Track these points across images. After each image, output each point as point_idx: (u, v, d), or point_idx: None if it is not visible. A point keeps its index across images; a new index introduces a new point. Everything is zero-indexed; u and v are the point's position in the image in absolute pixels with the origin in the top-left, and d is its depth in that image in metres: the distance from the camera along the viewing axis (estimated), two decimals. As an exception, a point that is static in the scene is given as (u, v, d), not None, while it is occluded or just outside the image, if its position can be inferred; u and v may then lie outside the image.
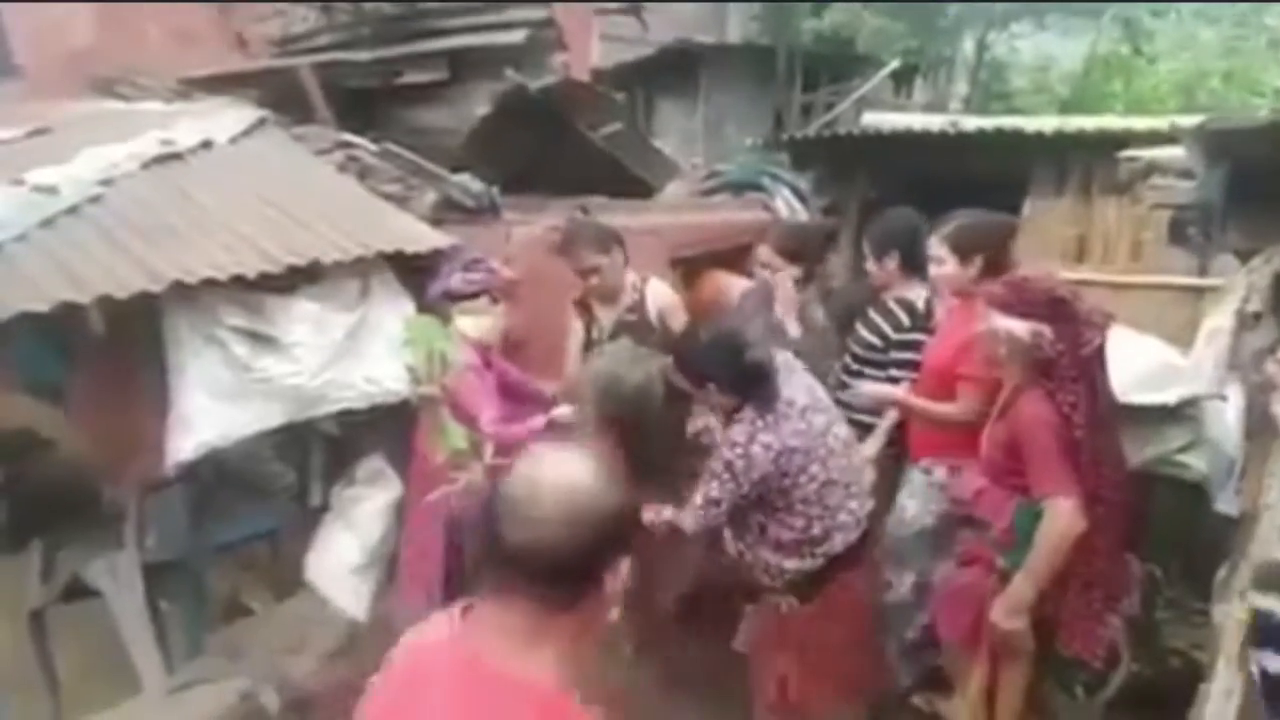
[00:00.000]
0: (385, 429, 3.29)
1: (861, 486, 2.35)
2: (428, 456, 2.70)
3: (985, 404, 2.55)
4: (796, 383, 2.32)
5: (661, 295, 3.06)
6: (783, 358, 2.32)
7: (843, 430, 2.34)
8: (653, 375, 2.49)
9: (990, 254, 2.59)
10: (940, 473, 2.64)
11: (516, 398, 2.91)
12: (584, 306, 3.11)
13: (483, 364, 2.79)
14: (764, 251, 2.98)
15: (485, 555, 1.05)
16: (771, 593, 2.28)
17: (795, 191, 4.81)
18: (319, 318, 2.91)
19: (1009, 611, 2.21)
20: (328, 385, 2.93)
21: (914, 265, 2.75)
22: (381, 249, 3.04)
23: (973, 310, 2.59)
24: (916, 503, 2.65)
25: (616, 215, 3.94)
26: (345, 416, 3.08)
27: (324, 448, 3.42)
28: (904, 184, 4.01)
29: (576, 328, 3.11)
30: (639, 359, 2.58)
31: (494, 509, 1.05)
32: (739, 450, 2.19)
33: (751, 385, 2.25)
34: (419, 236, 3.17)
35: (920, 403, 2.63)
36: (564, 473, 1.05)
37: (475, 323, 2.77)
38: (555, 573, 1.03)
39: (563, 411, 2.76)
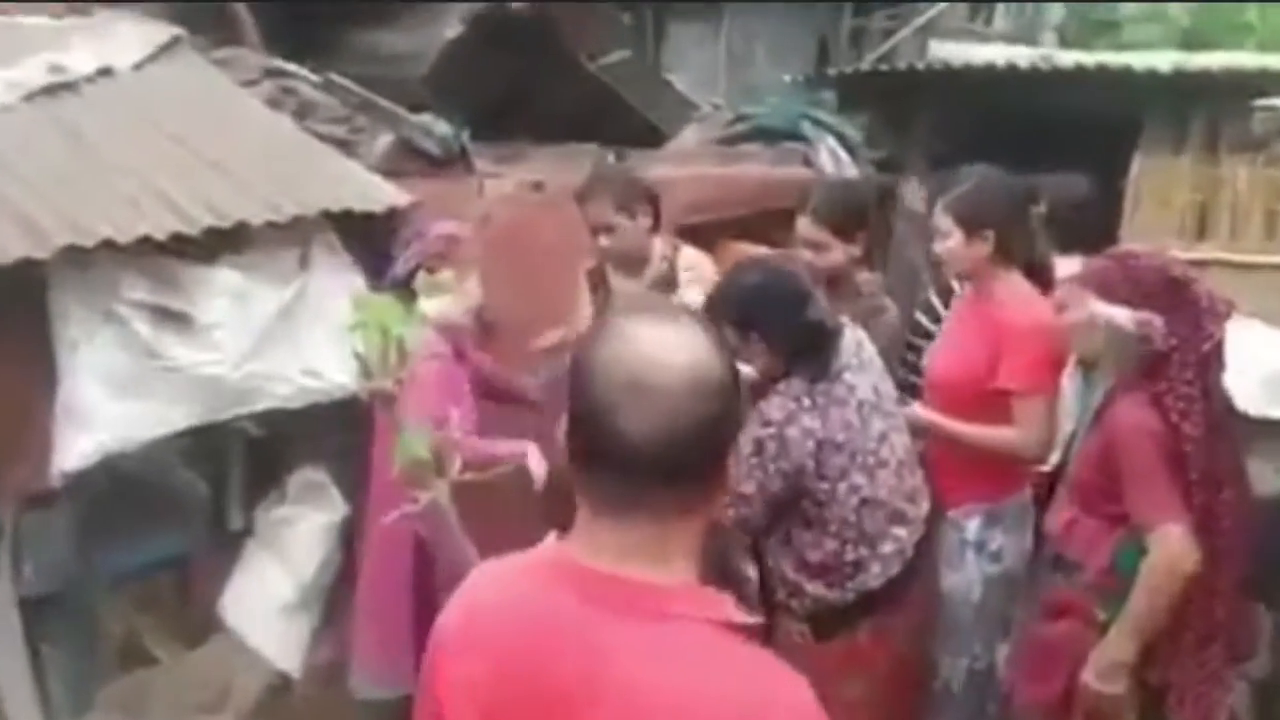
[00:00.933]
0: (326, 433, 3.36)
1: (913, 515, 2.37)
2: (387, 470, 2.75)
3: (1052, 423, 2.59)
4: (865, 378, 2.32)
5: (697, 268, 3.11)
6: (855, 337, 2.32)
7: (902, 445, 2.34)
8: None
9: (1004, 227, 2.60)
10: (974, 526, 2.66)
11: (495, 397, 2.95)
12: (595, 277, 3.17)
13: (454, 353, 2.84)
14: (805, 224, 2.91)
15: (580, 466, 1.03)
16: (787, 614, 2.29)
17: (843, 141, 4.86)
18: (245, 292, 2.95)
19: (1106, 671, 2.19)
20: (254, 377, 2.98)
21: (1013, 251, 2.67)
22: (325, 208, 3.08)
23: (990, 300, 2.62)
24: (956, 572, 2.66)
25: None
26: (275, 417, 3.14)
27: (247, 456, 3.49)
28: (979, 135, 4.06)
29: (583, 306, 3.17)
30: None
31: (592, 403, 1.00)
32: (771, 430, 2.15)
33: (805, 346, 2.22)
34: (371, 193, 3.22)
35: (972, 430, 2.57)
36: (674, 339, 1.02)
37: (439, 303, 2.82)
38: (688, 465, 1.01)
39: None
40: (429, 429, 2.42)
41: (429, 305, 2.77)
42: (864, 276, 2.95)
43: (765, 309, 2.23)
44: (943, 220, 2.63)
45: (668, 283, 3.10)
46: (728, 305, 2.25)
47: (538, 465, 2.59)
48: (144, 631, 3.32)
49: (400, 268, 2.88)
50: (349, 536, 3.44)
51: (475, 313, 2.92)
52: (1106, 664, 2.21)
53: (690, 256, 3.14)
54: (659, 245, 3.11)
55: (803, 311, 2.24)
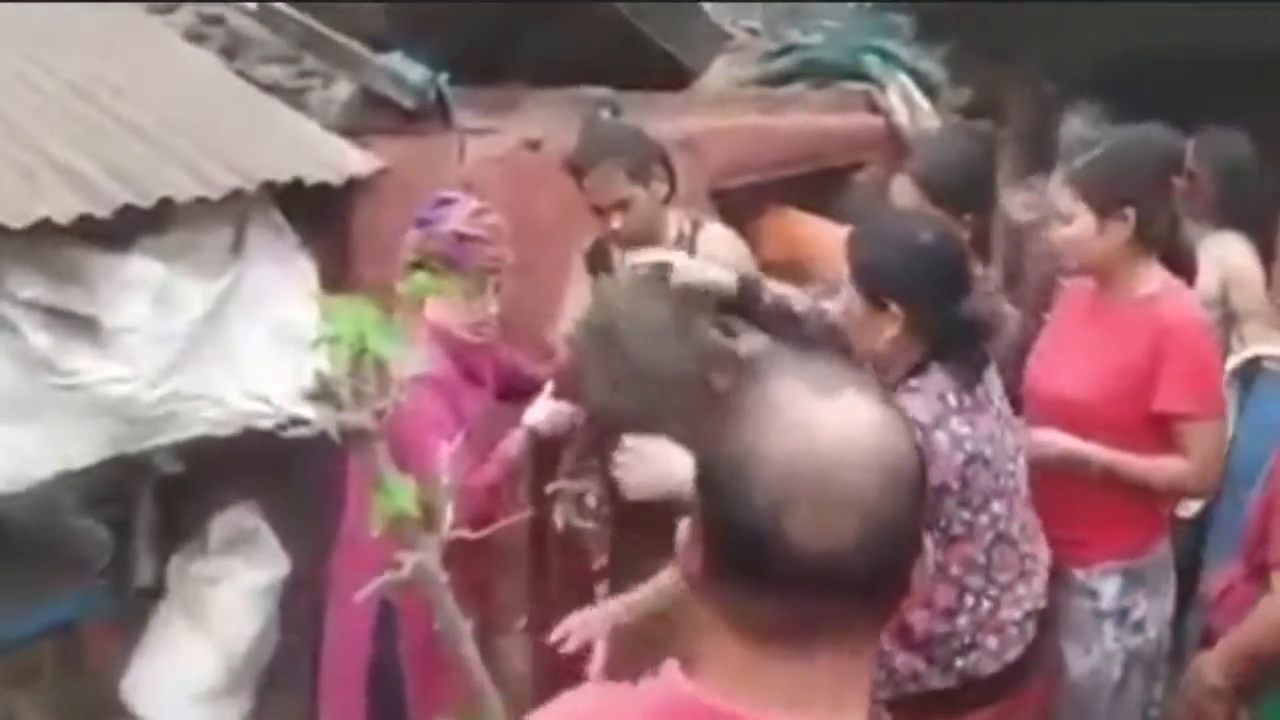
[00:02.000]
0: (262, 468, 3.45)
1: (1038, 565, 2.47)
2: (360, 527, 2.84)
3: (1222, 452, 2.67)
4: (996, 382, 2.43)
5: (722, 248, 3.19)
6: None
7: (1021, 472, 2.45)
8: (682, 316, 2.62)
9: (1147, 204, 2.65)
10: (1111, 590, 2.71)
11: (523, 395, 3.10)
12: (597, 260, 3.26)
13: (458, 369, 2.93)
14: (905, 187, 2.97)
15: (732, 585, 1.02)
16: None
17: (920, 81, 4.92)
18: (166, 288, 3.04)
19: (1199, 694, 2.46)
20: (176, 398, 3.07)
21: (1155, 234, 2.69)
22: (268, 179, 3.17)
23: (1130, 298, 2.68)
24: (1089, 651, 2.72)
25: (626, 117, 4.05)
26: (198, 447, 3.24)
27: (162, 495, 3.60)
28: (1106, 72, 4.12)
29: (577, 290, 3.27)
30: (652, 293, 2.71)
31: (754, 506, 1.00)
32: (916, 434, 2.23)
33: (960, 336, 2.29)
34: (326, 158, 3.30)
35: (1139, 463, 2.62)
36: (854, 413, 1.03)
37: (442, 309, 2.90)
38: (886, 577, 1.02)
39: (546, 412, 2.91)
40: (411, 479, 2.49)
41: (429, 310, 2.86)
42: (976, 272, 3.02)
43: (925, 280, 2.27)
44: (1063, 198, 2.68)
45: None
46: (871, 266, 2.30)
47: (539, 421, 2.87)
48: (20, 714, 3.39)
49: (404, 254, 2.95)
50: (290, 601, 3.54)
51: (485, 325, 3.01)
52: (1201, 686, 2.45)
53: (715, 236, 3.22)
54: (674, 220, 3.21)
55: (968, 293, 2.29)
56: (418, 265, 2.89)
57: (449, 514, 2.50)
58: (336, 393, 2.49)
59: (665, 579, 2.52)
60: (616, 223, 3.09)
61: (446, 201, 2.97)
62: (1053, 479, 2.62)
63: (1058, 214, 2.72)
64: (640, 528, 2.80)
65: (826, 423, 1.02)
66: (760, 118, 4.53)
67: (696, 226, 3.22)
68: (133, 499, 3.54)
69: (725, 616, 1.04)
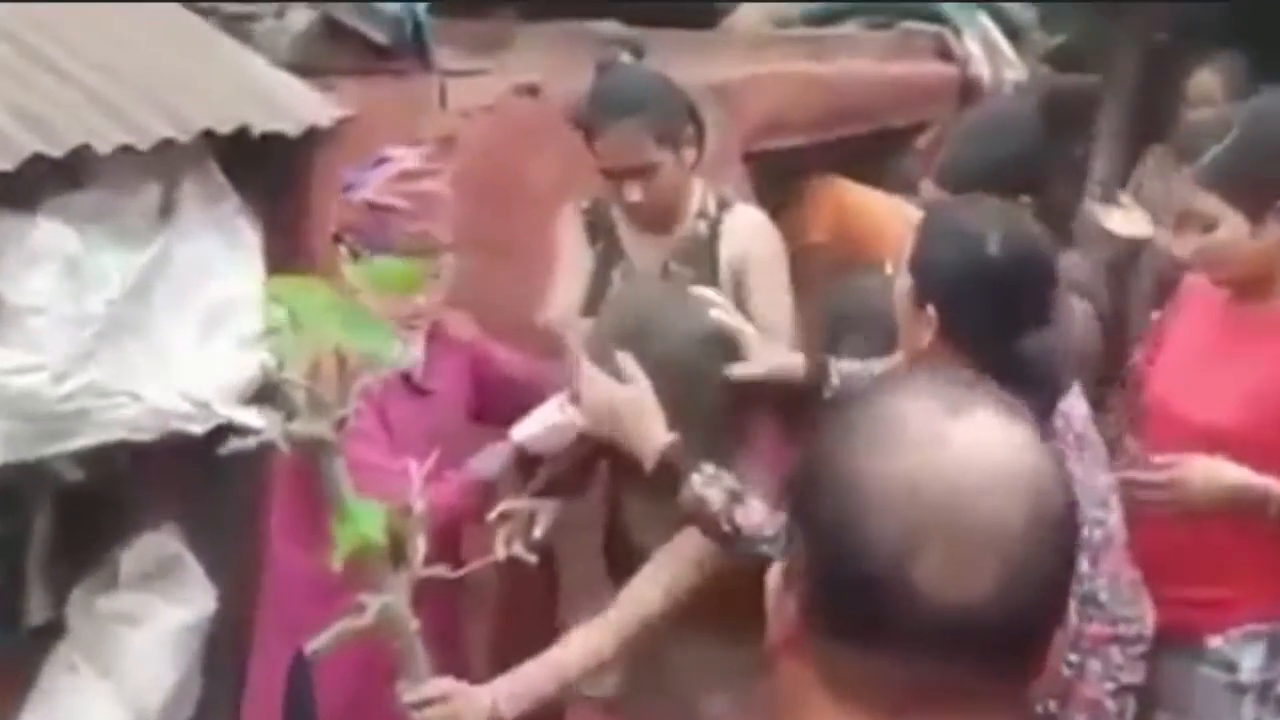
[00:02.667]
0: (186, 481, 3.44)
1: (1137, 630, 2.46)
2: (305, 553, 2.81)
3: None
4: (1077, 404, 2.43)
5: (750, 232, 3.19)
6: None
7: (1115, 518, 2.44)
8: (709, 325, 2.63)
9: None
10: (1252, 660, 2.70)
11: (520, 402, 3.02)
12: (599, 226, 3.25)
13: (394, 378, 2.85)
14: (927, 186, 3.06)
15: (845, 641, 1.01)
16: None
17: (1004, 22, 4.92)
18: (78, 260, 3.02)
19: None
20: (86, 393, 3.04)
21: None
22: (208, 127, 3.15)
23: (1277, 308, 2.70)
24: None
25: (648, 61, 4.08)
26: (108, 456, 3.21)
27: (60, 513, 3.55)
28: (1231, 21, 4.13)
29: (574, 258, 3.24)
30: (679, 298, 2.71)
31: (878, 550, 1.00)
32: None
33: (1010, 373, 2.31)
34: (281, 103, 3.28)
35: None
36: (999, 444, 1.02)
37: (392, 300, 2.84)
38: (1033, 636, 1.02)
39: (542, 427, 2.85)
40: (377, 501, 2.47)
41: (377, 303, 2.81)
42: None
43: (971, 300, 2.29)
44: (1202, 198, 2.67)
45: (699, 254, 3.16)
46: (920, 257, 2.35)
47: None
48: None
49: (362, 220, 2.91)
50: (217, 644, 3.51)
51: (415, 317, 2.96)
52: None
53: (744, 223, 3.22)
54: (698, 192, 3.20)
55: (1030, 329, 2.30)
56: (338, 239, 2.91)
57: (421, 547, 2.50)
58: (288, 395, 2.48)
59: (607, 639, 2.53)
60: (635, 194, 3.06)
61: (381, 161, 2.95)
62: (1172, 525, 2.61)
63: (1192, 216, 2.71)
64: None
65: (962, 442, 1.00)
66: (805, 64, 4.52)
67: (723, 206, 3.21)
68: (26, 516, 3.50)
69: (826, 682, 1.03)
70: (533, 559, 2.80)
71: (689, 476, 2.42)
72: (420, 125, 3.63)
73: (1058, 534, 1.01)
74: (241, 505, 3.27)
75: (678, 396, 2.53)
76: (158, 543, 3.56)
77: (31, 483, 3.42)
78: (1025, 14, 5.03)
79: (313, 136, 3.34)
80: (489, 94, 3.70)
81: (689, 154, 3.12)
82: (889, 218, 3.76)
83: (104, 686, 3.47)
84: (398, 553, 2.49)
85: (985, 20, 4.87)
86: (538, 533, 2.82)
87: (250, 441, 2.41)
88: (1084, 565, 2.32)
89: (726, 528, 2.41)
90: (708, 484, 2.42)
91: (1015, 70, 4.71)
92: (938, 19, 4.88)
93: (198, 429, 3.16)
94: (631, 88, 3.16)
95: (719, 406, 2.60)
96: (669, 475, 2.45)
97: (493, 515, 2.83)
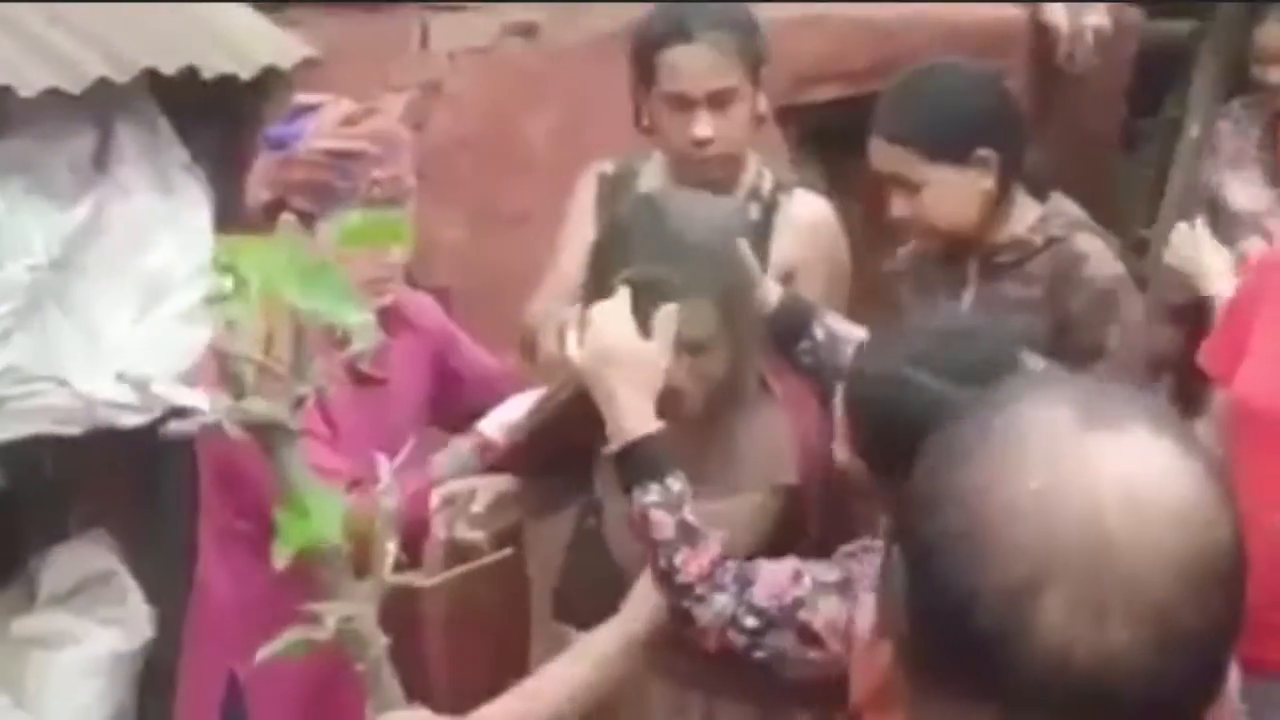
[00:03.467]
0: (122, 482, 3.62)
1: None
2: (240, 563, 2.92)
3: None
4: None
5: (810, 228, 3.26)
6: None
7: None
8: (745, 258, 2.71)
9: None
10: None
11: (485, 403, 3.12)
12: (618, 194, 3.25)
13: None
14: (877, 145, 3.08)
15: (954, 693, 0.99)
16: None
17: None
18: (-2, 220, 3.17)
19: None
20: (6, 379, 3.21)
21: None
22: (150, 65, 3.29)
23: None
24: None
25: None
26: (26, 454, 3.38)
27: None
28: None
29: (581, 236, 3.21)
30: (712, 202, 2.82)
31: (1000, 583, 0.96)
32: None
33: None
34: (237, 40, 3.41)
35: None
36: (1159, 469, 1.00)
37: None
38: (1186, 701, 0.99)
39: (513, 416, 2.97)
40: (341, 492, 2.57)
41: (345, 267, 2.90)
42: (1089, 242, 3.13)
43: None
44: None
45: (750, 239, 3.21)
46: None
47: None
48: None
49: (254, 192, 2.99)
50: (157, 676, 3.63)
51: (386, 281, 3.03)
52: None
53: (807, 212, 3.29)
54: (753, 166, 3.27)
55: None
56: (277, 206, 2.90)
57: (390, 550, 2.57)
58: (238, 372, 2.57)
59: (585, 675, 2.60)
60: (706, 127, 3.11)
61: (304, 110, 2.98)
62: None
63: None
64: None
65: (1108, 461, 0.97)
66: (851, 5, 4.59)
67: (780, 188, 3.27)
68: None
69: None
70: (475, 537, 2.86)
71: (645, 484, 2.47)
72: (397, 69, 3.75)
73: (1222, 584, 0.98)
74: (188, 508, 3.23)
75: (713, 306, 2.59)
76: (84, 553, 3.70)
77: None
78: None
79: (271, 80, 3.47)
80: (479, 33, 3.76)
81: (761, 100, 3.22)
82: None
83: (14, 716, 3.59)
84: (361, 558, 2.57)
85: None
86: (476, 508, 2.88)
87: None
88: None
89: (663, 563, 2.47)
90: (662, 504, 2.47)
91: (1097, 14, 4.67)
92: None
93: (134, 420, 3.29)
94: (715, 4, 3.27)
95: (754, 328, 2.68)
96: (627, 471, 2.51)
97: (435, 502, 2.90)
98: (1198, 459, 0.99)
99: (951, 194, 3.01)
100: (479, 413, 3.01)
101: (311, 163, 2.86)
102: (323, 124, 2.89)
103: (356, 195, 2.87)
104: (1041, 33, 4.59)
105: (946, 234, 3.05)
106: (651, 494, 2.46)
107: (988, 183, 2.98)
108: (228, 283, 2.54)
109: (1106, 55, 4.44)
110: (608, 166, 3.29)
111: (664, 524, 2.45)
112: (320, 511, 2.46)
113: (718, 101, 3.11)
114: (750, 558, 2.51)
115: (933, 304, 3.14)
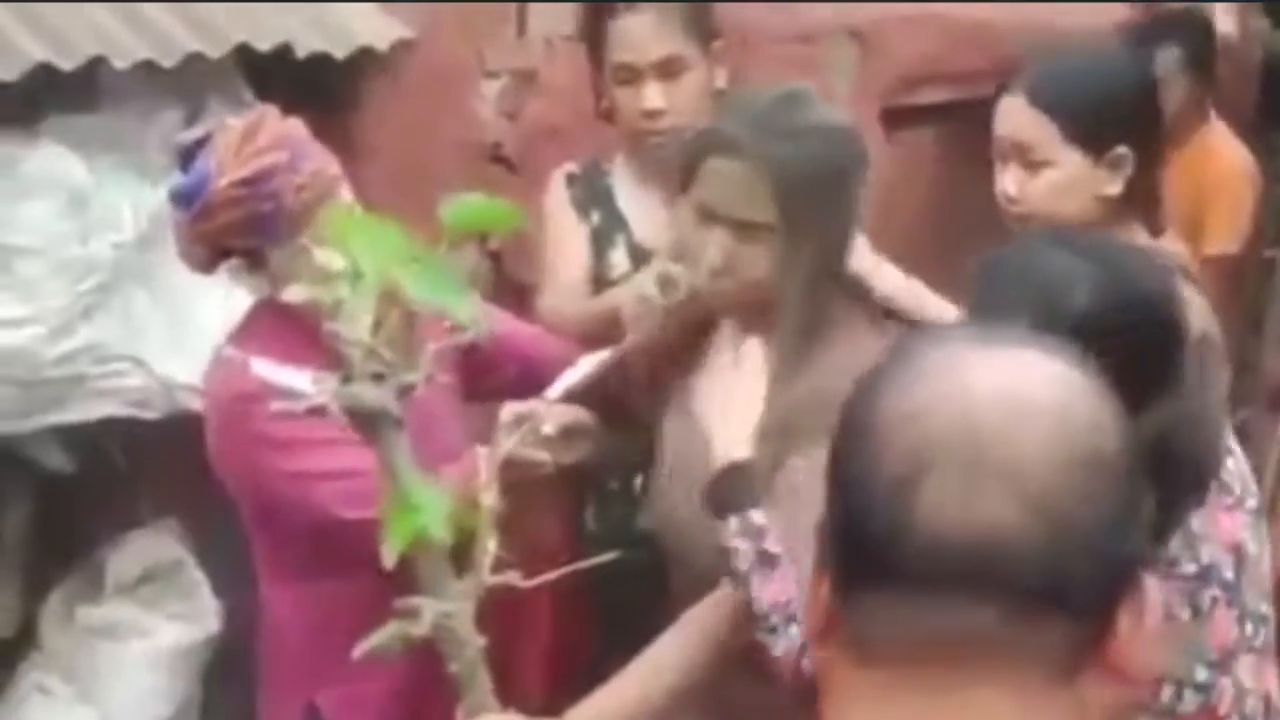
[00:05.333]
0: (192, 471, 3.52)
1: None
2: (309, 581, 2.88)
3: None
4: (1233, 461, 2.48)
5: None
6: None
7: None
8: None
9: None
10: None
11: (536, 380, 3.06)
12: (591, 189, 3.28)
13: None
14: (1012, 108, 2.92)
15: (858, 590, 1.12)
16: None
17: None
18: (84, 193, 3.16)
19: None
20: (86, 357, 3.19)
21: None
22: (243, 41, 3.27)
23: None
24: None
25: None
26: (97, 436, 3.33)
27: (36, 504, 3.65)
28: None
29: (568, 234, 3.27)
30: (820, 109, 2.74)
31: (886, 472, 1.09)
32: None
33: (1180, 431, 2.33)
34: (331, 19, 3.39)
35: None
36: (1029, 372, 1.13)
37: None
38: (1068, 581, 1.09)
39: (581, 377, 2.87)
40: (444, 489, 2.53)
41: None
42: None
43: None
44: None
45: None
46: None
47: None
48: None
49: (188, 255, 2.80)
50: (223, 672, 3.63)
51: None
52: None
53: None
54: None
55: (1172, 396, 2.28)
56: (217, 258, 2.76)
57: (490, 549, 2.53)
58: (346, 355, 2.53)
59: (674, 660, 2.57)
60: (656, 98, 3.09)
61: (191, 151, 2.77)
62: None
63: None
64: None
65: (983, 373, 1.10)
66: (965, 3, 4.53)
67: None
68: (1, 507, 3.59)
69: (853, 654, 1.12)
70: (540, 457, 2.77)
71: (730, 513, 2.45)
72: (492, 54, 3.75)
73: (1093, 476, 1.08)
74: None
75: (773, 186, 2.55)
76: (153, 543, 3.67)
77: (4, 465, 3.51)
78: None
79: (365, 60, 3.44)
80: (576, 22, 3.68)
81: (720, 75, 3.20)
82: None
83: (82, 713, 3.57)
84: (461, 555, 2.53)
85: None
86: (547, 429, 2.78)
87: (296, 404, 2.35)
88: (1250, 679, 2.38)
89: (742, 592, 2.45)
90: (743, 533, 2.44)
91: (1222, 21, 4.67)
92: (1134, -48, 4.89)
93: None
94: None
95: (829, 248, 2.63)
96: (719, 496, 2.48)
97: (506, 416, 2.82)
98: (1078, 379, 1.12)
99: (1073, 184, 2.86)
100: (517, 382, 2.96)
101: (228, 200, 2.67)
102: (220, 158, 2.69)
103: (285, 212, 2.69)
104: None
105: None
106: (732, 525, 2.44)
107: (1114, 188, 2.83)
108: (336, 261, 2.51)
109: (1232, 63, 4.36)
110: (574, 166, 3.29)
111: (745, 554, 2.43)
112: (429, 506, 2.45)
113: (666, 71, 3.08)
114: None
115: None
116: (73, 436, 3.39)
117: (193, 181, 2.67)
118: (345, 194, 2.79)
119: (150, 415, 3.28)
